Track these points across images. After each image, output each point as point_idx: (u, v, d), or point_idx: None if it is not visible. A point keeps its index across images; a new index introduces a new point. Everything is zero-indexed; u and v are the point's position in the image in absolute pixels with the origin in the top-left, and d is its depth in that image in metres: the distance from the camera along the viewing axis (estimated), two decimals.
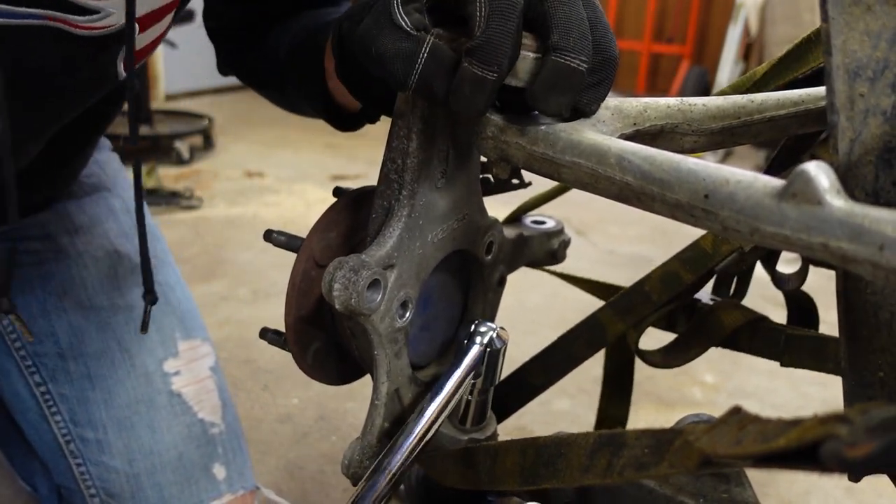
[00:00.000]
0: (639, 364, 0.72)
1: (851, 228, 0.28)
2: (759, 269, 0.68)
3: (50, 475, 0.83)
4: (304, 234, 0.53)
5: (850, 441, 0.21)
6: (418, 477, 0.65)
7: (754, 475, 0.50)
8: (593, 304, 0.69)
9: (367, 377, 0.57)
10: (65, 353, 0.80)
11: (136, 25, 0.59)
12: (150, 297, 0.73)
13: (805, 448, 0.23)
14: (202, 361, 0.85)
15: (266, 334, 0.58)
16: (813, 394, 1.68)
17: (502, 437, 0.57)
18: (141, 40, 0.62)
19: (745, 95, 0.49)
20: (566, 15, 0.41)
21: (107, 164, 0.89)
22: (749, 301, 0.68)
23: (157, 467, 0.79)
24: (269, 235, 0.55)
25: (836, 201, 0.29)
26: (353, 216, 0.54)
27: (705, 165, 0.34)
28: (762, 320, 0.64)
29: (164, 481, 0.79)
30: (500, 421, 0.62)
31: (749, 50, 3.76)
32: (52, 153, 0.70)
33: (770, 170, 0.61)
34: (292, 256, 0.53)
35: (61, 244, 0.81)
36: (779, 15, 3.53)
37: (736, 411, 0.29)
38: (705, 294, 0.68)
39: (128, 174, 0.92)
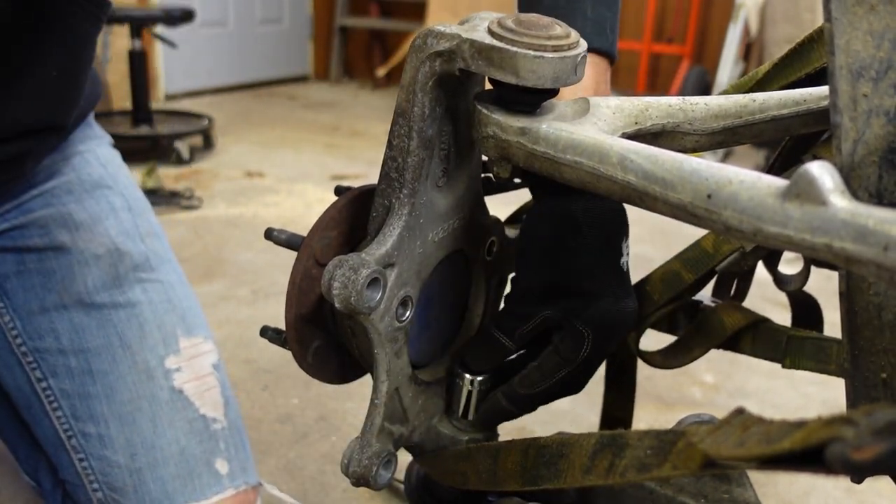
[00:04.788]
0: (639, 364, 0.71)
1: (856, 229, 0.28)
2: (760, 271, 0.68)
3: (54, 471, 0.84)
4: (304, 233, 0.53)
5: (856, 443, 0.21)
6: (419, 477, 0.65)
7: (753, 475, 0.50)
8: None
9: (368, 376, 0.57)
10: (65, 350, 0.80)
11: None
12: None
13: (810, 450, 0.23)
14: (204, 358, 0.85)
15: (266, 332, 0.57)
16: (813, 394, 1.68)
17: (502, 438, 0.57)
18: None
19: (747, 95, 0.49)
20: None
21: (108, 161, 0.89)
22: (749, 302, 0.68)
23: (159, 462, 0.79)
24: (269, 234, 0.55)
25: (841, 202, 0.29)
26: (355, 215, 0.54)
27: (708, 165, 0.34)
28: (764, 322, 0.64)
29: (166, 475, 0.79)
30: None
31: (749, 50, 3.75)
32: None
33: (771, 170, 0.61)
34: (293, 256, 0.52)
35: (62, 241, 0.81)
36: (779, 15, 3.53)
37: (739, 412, 0.29)
38: (706, 297, 0.67)
39: (129, 171, 0.93)
